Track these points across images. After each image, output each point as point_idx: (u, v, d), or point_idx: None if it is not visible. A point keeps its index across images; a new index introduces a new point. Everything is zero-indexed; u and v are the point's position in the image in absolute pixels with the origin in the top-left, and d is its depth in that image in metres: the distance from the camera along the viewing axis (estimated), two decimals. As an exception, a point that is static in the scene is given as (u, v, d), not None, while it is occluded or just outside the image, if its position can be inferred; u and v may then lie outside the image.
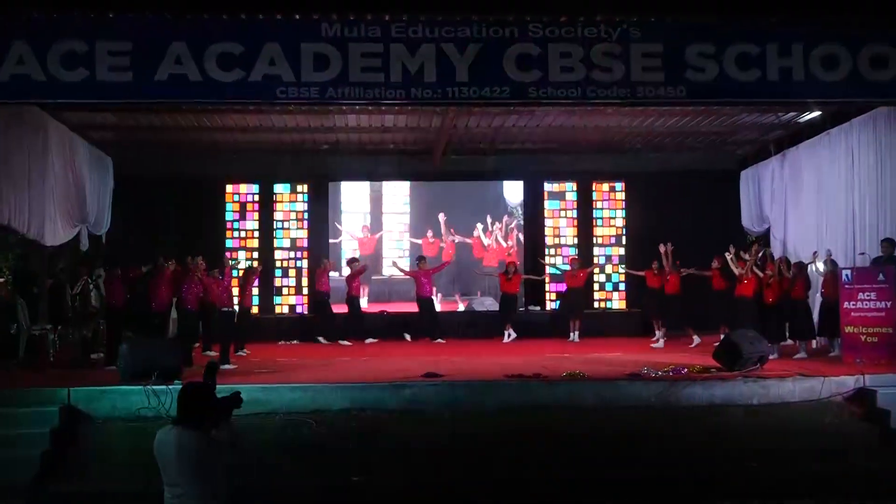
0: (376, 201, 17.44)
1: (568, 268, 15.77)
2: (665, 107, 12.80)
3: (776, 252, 14.90)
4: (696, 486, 7.15)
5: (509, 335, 15.05)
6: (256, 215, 17.03)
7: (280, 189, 17.15)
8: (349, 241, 17.16)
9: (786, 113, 13.84)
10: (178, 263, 12.97)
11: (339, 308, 15.43)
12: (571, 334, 15.20)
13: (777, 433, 8.92)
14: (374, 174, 17.11)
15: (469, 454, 8.08)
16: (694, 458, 7.92)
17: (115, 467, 7.68)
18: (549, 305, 17.15)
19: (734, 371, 10.65)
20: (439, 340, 15.08)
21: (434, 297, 15.65)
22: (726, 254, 13.22)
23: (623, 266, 16.87)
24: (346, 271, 15.58)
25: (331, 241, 16.96)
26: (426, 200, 17.49)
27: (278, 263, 16.58)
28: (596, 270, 16.85)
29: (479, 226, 17.25)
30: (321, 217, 17.06)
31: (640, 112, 13.63)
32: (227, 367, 11.62)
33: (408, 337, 15.18)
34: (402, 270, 15.87)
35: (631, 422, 9.30)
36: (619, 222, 17.59)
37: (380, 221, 17.40)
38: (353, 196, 17.40)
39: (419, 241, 17.07)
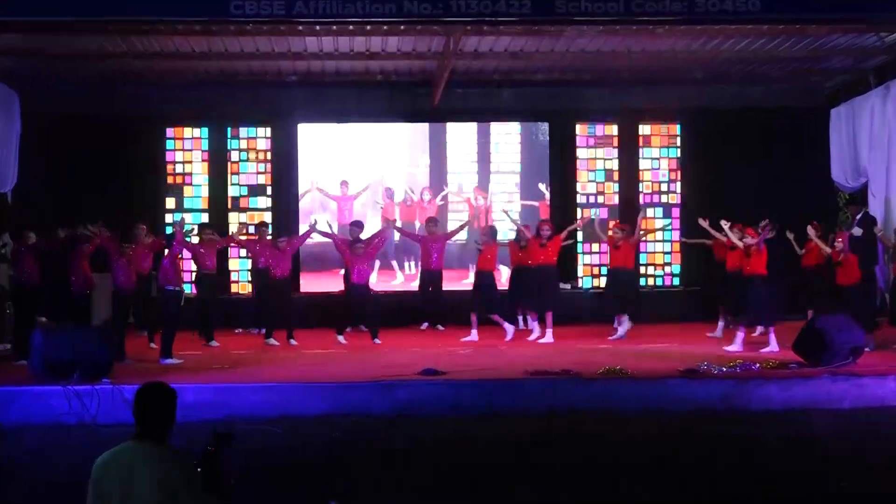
0: (484, 160, 17.53)
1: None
2: (733, 25, 12.72)
3: (877, 214, 14.89)
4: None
5: (525, 326, 14.95)
6: (205, 166, 17.01)
7: (235, 133, 17.11)
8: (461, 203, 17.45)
9: (890, 33, 13.73)
10: (108, 230, 13.00)
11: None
12: (617, 326, 15.16)
13: (874, 444, 8.94)
14: (356, 113, 17.04)
15: (478, 471, 8.13)
16: (768, 475, 7.95)
17: (28, 490, 7.73)
18: (581, 283, 17.24)
19: (820, 366, 10.70)
20: (439, 327, 15.33)
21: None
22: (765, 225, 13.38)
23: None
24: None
25: (438, 202, 17.09)
26: (538, 156, 17.59)
27: (233, 228, 16.56)
28: (650, 236, 16.71)
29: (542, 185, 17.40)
30: (288, 168, 17.04)
31: (700, 32, 13.54)
32: (169, 361, 11.74)
33: (423, 326, 15.36)
34: (405, 234, 15.82)
35: (687, 430, 9.35)
36: (674, 174, 17.54)
37: (487, 181, 17.54)
38: (459, 155, 17.53)
39: (535, 204, 17.12)
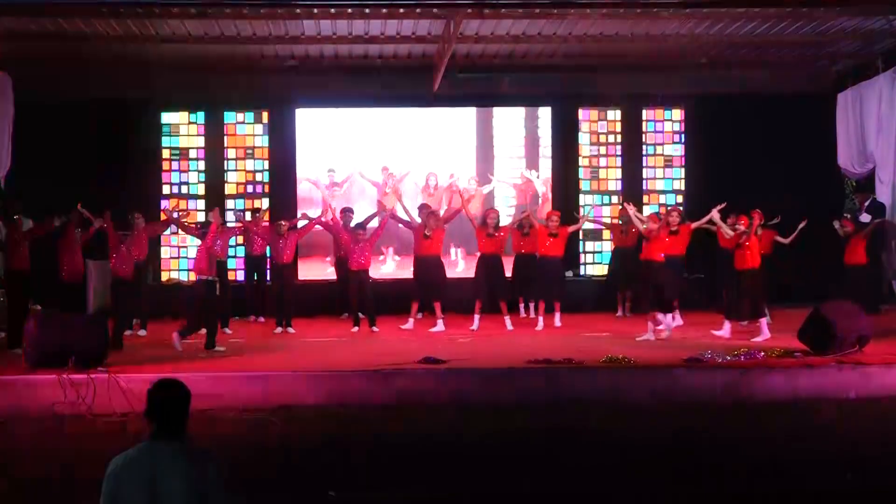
0: (532, 140, 17.43)
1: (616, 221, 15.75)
2: (739, 8, 12.67)
3: (885, 200, 14.87)
4: (774, 501, 7.19)
5: (526, 314, 14.86)
6: (202, 152, 17.00)
7: (231, 118, 17.08)
8: (506, 188, 17.39)
9: (899, 16, 13.69)
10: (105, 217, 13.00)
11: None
12: (620, 308, 15.27)
13: (881, 435, 8.95)
14: (354, 98, 17.03)
15: (478, 462, 8.12)
16: (772, 467, 7.95)
17: (22, 482, 7.71)
18: (585, 270, 17.24)
19: (826, 355, 10.69)
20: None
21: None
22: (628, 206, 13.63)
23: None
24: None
25: (483, 189, 16.90)
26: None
27: (230, 215, 16.56)
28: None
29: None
30: (285, 154, 17.02)
31: (705, 16, 13.50)
32: (217, 349, 11.94)
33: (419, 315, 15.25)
34: (399, 220, 15.12)
35: (690, 421, 9.35)
36: (677, 161, 17.51)
37: (536, 162, 17.47)
38: (507, 136, 17.49)
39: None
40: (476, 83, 16.80)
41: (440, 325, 13.99)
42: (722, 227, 13.04)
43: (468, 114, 17.43)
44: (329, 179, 16.89)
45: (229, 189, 17.10)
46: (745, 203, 14.01)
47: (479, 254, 14.50)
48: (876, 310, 13.53)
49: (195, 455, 3.97)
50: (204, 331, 12.22)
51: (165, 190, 16.89)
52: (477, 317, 14.02)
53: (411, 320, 14.11)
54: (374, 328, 13.93)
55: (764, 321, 12.59)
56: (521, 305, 15.38)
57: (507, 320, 14.05)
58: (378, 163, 17.01)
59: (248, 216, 16.22)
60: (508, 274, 14.90)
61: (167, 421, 4.01)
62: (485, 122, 17.45)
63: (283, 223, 14.32)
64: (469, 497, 7.30)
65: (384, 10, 12.86)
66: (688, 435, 8.96)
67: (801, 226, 14.08)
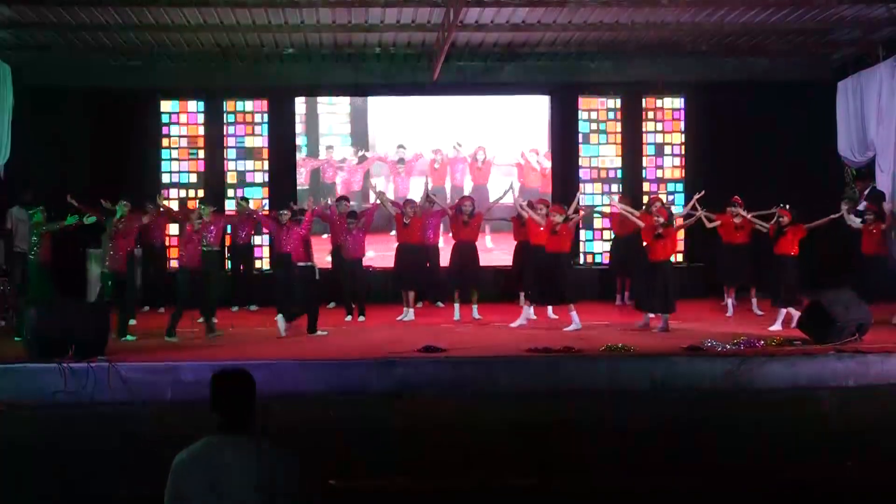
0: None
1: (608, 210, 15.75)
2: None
3: (885, 188, 14.85)
4: (774, 491, 7.20)
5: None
6: (201, 140, 16.99)
7: (231, 106, 17.06)
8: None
9: (900, 3, 13.66)
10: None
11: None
12: (618, 296, 15.27)
13: (881, 423, 8.95)
14: (354, 87, 17.02)
15: (478, 452, 8.13)
16: (772, 455, 7.96)
17: (21, 469, 7.72)
18: (584, 259, 17.25)
19: (825, 344, 10.70)
20: (438, 304, 15.37)
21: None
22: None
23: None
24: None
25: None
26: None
27: (231, 204, 16.56)
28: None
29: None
30: (285, 142, 17.01)
31: (705, 3, 13.47)
32: (320, 333, 12.32)
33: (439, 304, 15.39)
34: (397, 206, 14.91)
35: (690, 409, 9.36)
36: (677, 149, 17.50)
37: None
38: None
39: None
40: (475, 71, 16.82)
41: (409, 315, 13.99)
42: (633, 219, 13.00)
43: (542, 99, 17.47)
44: (398, 155, 17.00)
45: (228, 177, 17.08)
46: (745, 191, 14.06)
47: (453, 242, 14.35)
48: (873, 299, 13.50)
49: (265, 451, 3.71)
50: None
51: (165, 179, 16.87)
52: (457, 306, 13.98)
53: (405, 310, 14.09)
54: (362, 318, 13.92)
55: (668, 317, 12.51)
56: (521, 295, 15.36)
57: (457, 309, 13.99)
58: (450, 141, 17.20)
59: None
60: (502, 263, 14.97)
61: (232, 413, 3.77)
62: (563, 109, 17.45)
63: (284, 213, 14.27)
64: (469, 486, 7.31)
65: (384, -2, 12.87)
66: (687, 423, 8.97)
67: (778, 214, 13.72)
